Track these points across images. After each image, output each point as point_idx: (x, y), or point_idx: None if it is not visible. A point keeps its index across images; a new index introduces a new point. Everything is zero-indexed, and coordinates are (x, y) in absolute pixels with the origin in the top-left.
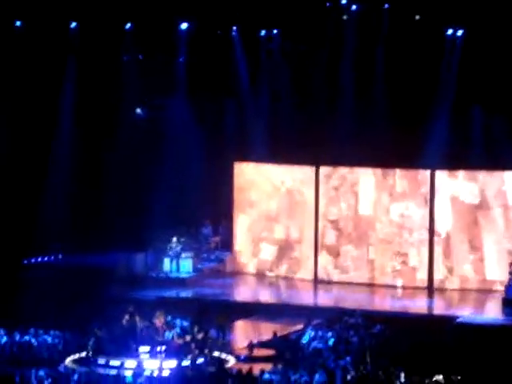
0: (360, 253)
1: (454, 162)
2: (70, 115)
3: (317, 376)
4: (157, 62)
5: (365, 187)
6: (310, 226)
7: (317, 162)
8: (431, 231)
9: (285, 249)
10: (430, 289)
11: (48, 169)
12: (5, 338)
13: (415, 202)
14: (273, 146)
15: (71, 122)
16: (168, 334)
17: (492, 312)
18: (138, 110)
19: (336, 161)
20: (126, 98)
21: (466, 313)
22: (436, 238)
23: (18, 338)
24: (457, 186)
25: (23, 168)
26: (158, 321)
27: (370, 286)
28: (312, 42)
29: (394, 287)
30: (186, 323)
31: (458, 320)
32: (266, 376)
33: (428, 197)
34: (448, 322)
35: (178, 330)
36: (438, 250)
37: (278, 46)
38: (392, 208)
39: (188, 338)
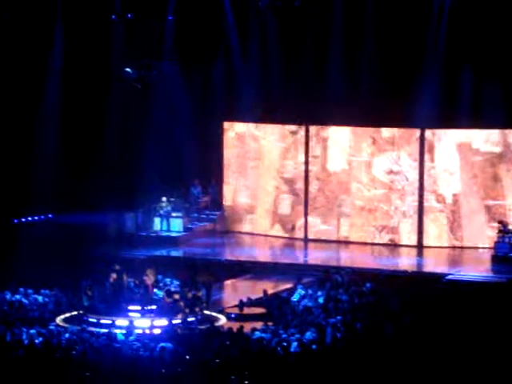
0: (327, 229)
1: (443, 122)
2: (58, 75)
3: (307, 334)
4: (146, 22)
5: (338, 137)
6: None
7: (306, 122)
8: (421, 196)
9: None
10: (420, 246)
11: (37, 129)
12: None
13: (409, 153)
14: (262, 106)
15: (59, 81)
16: (158, 292)
17: (481, 269)
18: (128, 70)
19: (324, 121)
20: (115, 58)
21: (455, 270)
22: (438, 205)
23: (8, 297)
24: (468, 131)
25: (13, 129)
26: (148, 278)
27: (360, 244)
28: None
29: (384, 245)
30: (176, 282)
31: (448, 277)
32: (257, 334)
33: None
34: (438, 279)
35: (169, 288)
36: (442, 222)
37: (267, 4)
38: (376, 162)
39: (178, 296)
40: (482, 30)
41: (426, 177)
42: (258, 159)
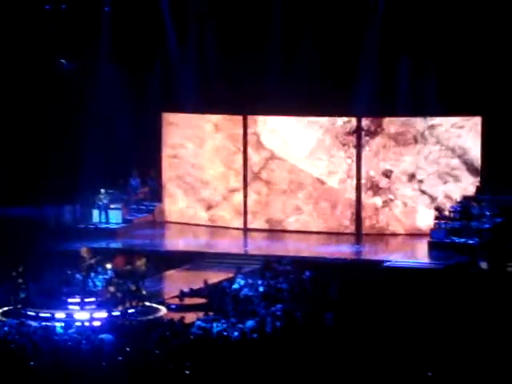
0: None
1: (380, 111)
2: None
3: (248, 323)
4: (81, 13)
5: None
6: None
7: (244, 112)
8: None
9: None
10: (358, 234)
11: None
12: None
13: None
14: (201, 96)
15: None
16: (98, 283)
17: (419, 255)
18: (63, 61)
19: (263, 110)
20: (49, 49)
21: (393, 257)
22: None
23: None
24: None
25: None
26: (85, 254)
27: (299, 232)
28: None
29: (323, 233)
30: (114, 274)
31: (386, 264)
32: (198, 324)
33: None
34: (376, 266)
35: (108, 279)
36: None
37: None
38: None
39: (116, 288)
40: (419, 18)
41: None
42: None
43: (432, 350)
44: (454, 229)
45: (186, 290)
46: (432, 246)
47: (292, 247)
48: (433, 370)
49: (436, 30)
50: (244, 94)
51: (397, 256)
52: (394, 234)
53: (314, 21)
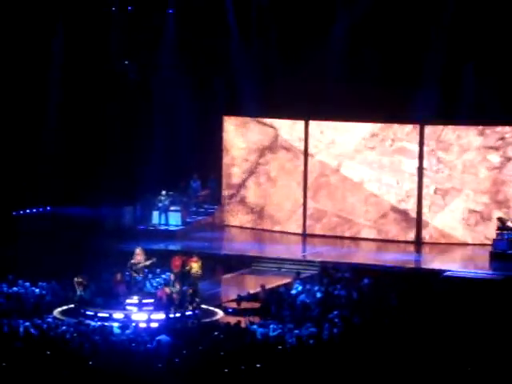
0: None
1: (443, 118)
2: (59, 68)
3: (305, 329)
4: (146, 15)
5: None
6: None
7: (307, 116)
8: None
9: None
10: (418, 242)
11: (38, 123)
12: None
13: None
14: (263, 100)
15: (61, 74)
16: (153, 282)
17: (480, 266)
18: (127, 63)
19: (326, 115)
20: (114, 51)
21: (453, 266)
22: None
23: (5, 289)
24: None
25: (15, 123)
26: (138, 255)
27: (359, 240)
28: None
29: (383, 241)
30: (172, 276)
31: (446, 274)
32: (254, 328)
33: None
34: (435, 275)
35: (168, 284)
36: None
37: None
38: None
39: (175, 290)
40: (484, 26)
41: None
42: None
43: (489, 360)
44: None
45: (243, 294)
46: (494, 257)
47: (350, 254)
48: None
49: (501, 38)
50: (306, 98)
51: (457, 266)
52: (456, 244)
53: (380, 25)
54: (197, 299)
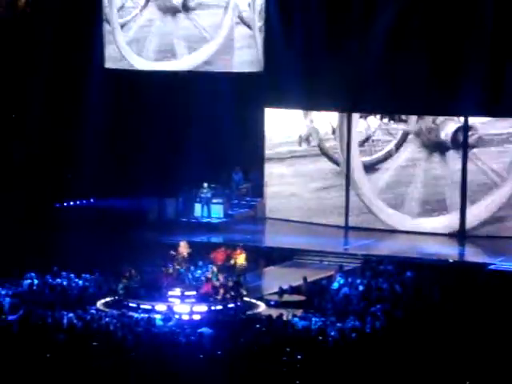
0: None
1: (487, 110)
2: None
3: (347, 322)
4: None
5: None
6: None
7: (349, 109)
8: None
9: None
10: (462, 235)
11: (80, 116)
12: (36, 281)
13: None
14: (305, 92)
15: (101, 68)
16: (196, 274)
17: None
18: None
19: (368, 108)
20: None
21: (498, 260)
22: None
23: (50, 280)
24: None
25: (56, 115)
26: (183, 249)
27: (400, 232)
28: None
29: (425, 234)
30: (215, 268)
31: (490, 267)
32: (296, 321)
33: None
34: (480, 269)
35: (209, 275)
36: None
37: None
38: None
39: (218, 283)
40: None
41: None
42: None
43: None
44: None
45: (285, 286)
46: None
47: (394, 247)
48: None
49: None
50: (349, 91)
51: (502, 259)
52: (502, 237)
53: (423, 18)
54: (242, 291)
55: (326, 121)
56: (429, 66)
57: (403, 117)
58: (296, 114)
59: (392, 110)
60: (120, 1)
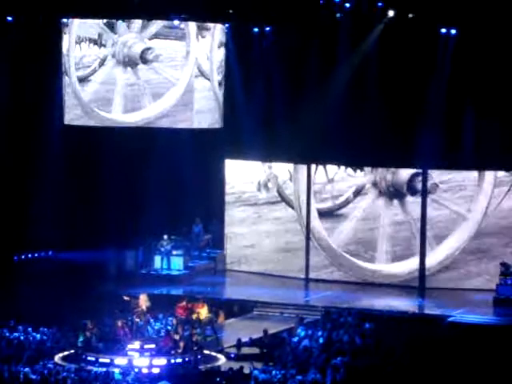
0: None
1: (445, 163)
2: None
3: (309, 375)
4: None
5: None
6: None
7: (307, 161)
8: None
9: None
10: (421, 287)
11: (37, 167)
12: None
13: None
14: (264, 144)
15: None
16: (155, 326)
17: (483, 311)
18: None
19: (327, 160)
20: None
21: (457, 312)
22: None
23: (7, 334)
24: None
25: (12, 165)
26: (142, 301)
27: (360, 284)
28: (305, 41)
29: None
30: (174, 321)
31: (450, 319)
32: (257, 374)
33: None
34: (439, 321)
35: (167, 328)
36: None
37: (271, 44)
38: None
39: (177, 336)
40: (484, 70)
41: None
42: None
43: None
44: None
45: (245, 339)
46: (498, 303)
47: (354, 298)
48: None
49: (502, 82)
50: (307, 142)
51: (461, 311)
52: (459, 289)
53: (380, 70)
54: (199, 344)
55: (284, 168)
56: (386, 117)
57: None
58: (256, 163)
59: (350, 161)
60: (79, 54)
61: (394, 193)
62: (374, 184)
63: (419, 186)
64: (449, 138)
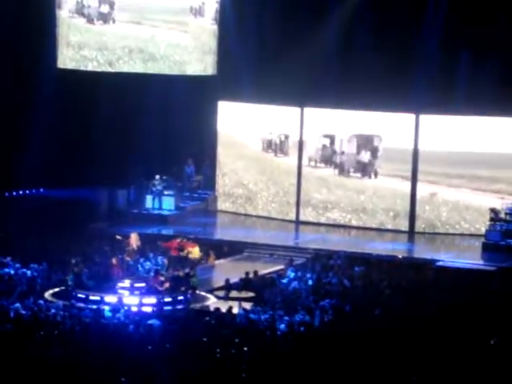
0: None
1: (438, 107)
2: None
3: (296, 316)
4: None
5: None
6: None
7: (301, 103)
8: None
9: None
10: (411, 232)
11: (30, 103)
12: None
13: None
14: (258, 86)
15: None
16: (146, 265)
17: (472, 256)
18: None
19: (320, 102)
20: None
21: (445, 256)
22: None
23: None
24: None
25: (5, 106)
26: (133, 240)
27: (352, 228)
28: None
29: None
30: (165, 261)
31: (438, 264)
32: (244, 314)
33: None
34: (428, 265)
35: (161, 269)
36: None
37: None
38: None
39: (165, 276)
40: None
41: None
42: None
43: (480, 351)
44: (509, 231)
45: (235, 279)
46: (486, 248)
47: (343, 242)
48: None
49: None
50: (300, 85)
51: (450, 256)
52: (448, 234)
53: (374, 13)
54: (193, 281)
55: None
56: (380, 61)
57: None
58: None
59: (342, 103)
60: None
61: None
62: None
63: None
64: (442, 82)
